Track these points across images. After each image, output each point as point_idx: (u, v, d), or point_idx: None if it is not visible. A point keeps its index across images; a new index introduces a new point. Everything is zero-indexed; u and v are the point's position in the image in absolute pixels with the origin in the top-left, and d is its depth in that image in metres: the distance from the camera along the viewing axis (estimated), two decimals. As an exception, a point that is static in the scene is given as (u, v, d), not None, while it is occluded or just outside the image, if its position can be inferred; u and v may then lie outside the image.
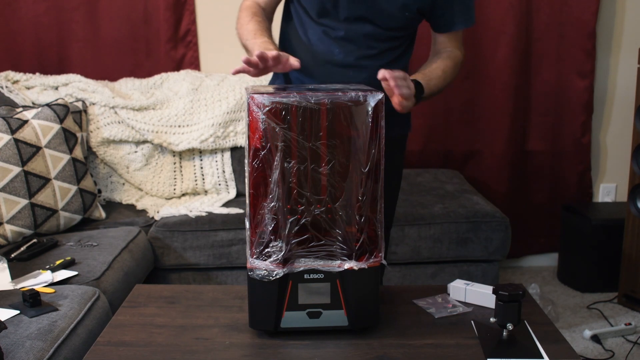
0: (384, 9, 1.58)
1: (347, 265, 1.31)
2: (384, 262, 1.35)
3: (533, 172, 3.34)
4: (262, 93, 1.27)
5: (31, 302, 1.71)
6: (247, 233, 1.31)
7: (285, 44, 1.72)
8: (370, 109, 1.28)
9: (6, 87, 2.80)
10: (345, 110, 1.28)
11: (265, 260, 1.30)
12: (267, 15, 1.69)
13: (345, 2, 1.58)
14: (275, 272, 1.30)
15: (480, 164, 3.32)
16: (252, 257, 1.31)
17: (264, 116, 1.25)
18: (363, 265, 1.32)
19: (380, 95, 1.28)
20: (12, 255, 2.15)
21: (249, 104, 1.26)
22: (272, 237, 1.30)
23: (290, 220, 1.29)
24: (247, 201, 1.32)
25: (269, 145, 1.26)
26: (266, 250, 1.30)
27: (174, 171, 2.92)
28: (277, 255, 1.30)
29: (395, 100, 1.40)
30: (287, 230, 1.29)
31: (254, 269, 1.31)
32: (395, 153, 1.75)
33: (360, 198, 1.30)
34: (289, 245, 1.30)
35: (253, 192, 1.29)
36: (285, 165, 1.28)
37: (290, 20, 1.71)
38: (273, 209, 1.28)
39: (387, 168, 1.77)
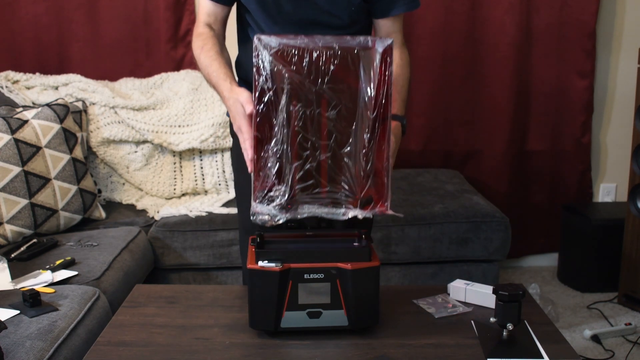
0: (328, 9, 1.54)
1: (352, 213, 1.28)
2: (390, 211, 1.30)
3: (533, 172, 3.34)
4: (270, 35, 1.24)
5: (31, 302, 1.71)
6: (251, 178, 1.28)
7: (243, 55, 1.69)
8: (378, 54, 1.25)
9: (6, 87, 2.80)
10: (353, 55, 1.25)
11: (268, 204, 1.27)
12: (220, 37, 1.63)
13: (290, 7, 1.54)
14: (278, 217, 1.26)
15: (480, 164, 3.32)
16: (255, 202, 1.27)
17: (270, 57, 1.22)
18: (368, 214, 1.28)
19: (389, 41, 1.26)
20: (12, 255, 2.15)
21: (256, 45, 1.23)
22: (275, 182, 1.26)
23: (294, 165, 1.26)
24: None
25: (275, 87, 1.23)
26: (269, 194, 1.26)
27: (174, 171, 2.92)
28: (281, 200, 1.26)
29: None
30: (291, 175, 1.26)
31: (256, 213, 1.27)
32: None
33: (366, 145, 1.27)
34: (292, 190, 1.26)
35: (257, 135, 1.26)
36: (291, 108, 1.25)
37: (245, 29, 1.66)
38: (277, 152, 1.25)
39: None
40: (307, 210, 1.28)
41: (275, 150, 1.25)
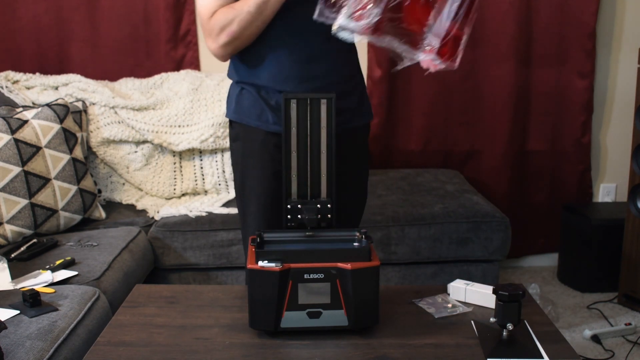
0: None
1: (424, 57, 1.32)
2: (441, 66, 1.34)
3: (533, 172, 3.34)
4: None
5: (31, 302, 1.71)
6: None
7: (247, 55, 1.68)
8: None
9: (6, 87, 2.80)
10: None
11: (356, 22, 1.28)
12: None
13: None
14: (360, 36, 1.29)
15: (480, 164, 3.32)
16: (342, 15, 1.28)
17: None
18: (441, 65, 1.35)
19: None
20: (12, 255, 2.15)
21: None
22: (370, 3, 1.27)
23: None
24: None
25: None
26: (360, 12, 1.28)
27: (174, 171, 2.92)
28: (369, 21, 1.27)
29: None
30: (385, 2, 1.27)
31: (340, 27, 1.29)
32: (360, 144, 1.75)
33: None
34: (383, 15, 1.28)
35: None
36: None
37: None
38: None
39: (353, 160, 1.68)
40: (387, 41, 1.31)
41: None
